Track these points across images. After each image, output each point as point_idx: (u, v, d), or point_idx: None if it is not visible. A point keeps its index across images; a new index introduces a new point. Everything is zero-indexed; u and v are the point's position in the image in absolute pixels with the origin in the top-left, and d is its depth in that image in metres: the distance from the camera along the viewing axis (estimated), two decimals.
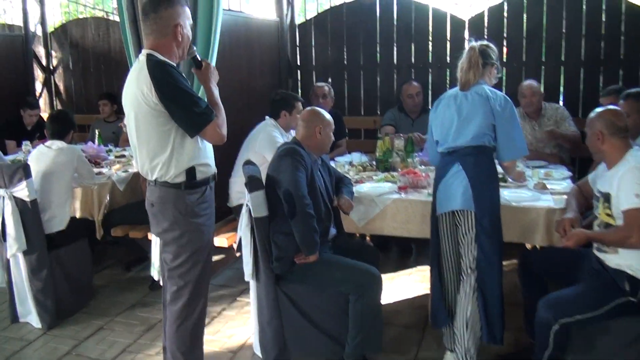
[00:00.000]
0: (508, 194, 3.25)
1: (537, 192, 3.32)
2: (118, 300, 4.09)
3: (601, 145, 2.67)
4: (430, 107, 4.96)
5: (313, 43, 5.84)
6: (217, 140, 2.53)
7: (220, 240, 3.94)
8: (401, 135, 4.23)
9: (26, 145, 4.71)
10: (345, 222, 3.38)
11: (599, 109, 2.74)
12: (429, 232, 3.11)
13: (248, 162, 3.27)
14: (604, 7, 4.95)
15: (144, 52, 2.49)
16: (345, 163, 4.31)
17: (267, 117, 4.13)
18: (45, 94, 7.04)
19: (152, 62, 2.39)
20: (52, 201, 3.73)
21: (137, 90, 2.42)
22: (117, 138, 5.65)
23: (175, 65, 2.49)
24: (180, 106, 2.39)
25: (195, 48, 2.62)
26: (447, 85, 5.37)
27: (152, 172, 2.57)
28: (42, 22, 6.88)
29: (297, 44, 5.89)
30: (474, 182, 2.85)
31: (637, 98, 3.29)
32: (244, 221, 3.11)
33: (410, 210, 3.33)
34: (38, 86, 7.00)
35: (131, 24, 3.46)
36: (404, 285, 4.19)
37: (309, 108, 3.29)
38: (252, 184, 2.98)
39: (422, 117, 4.85)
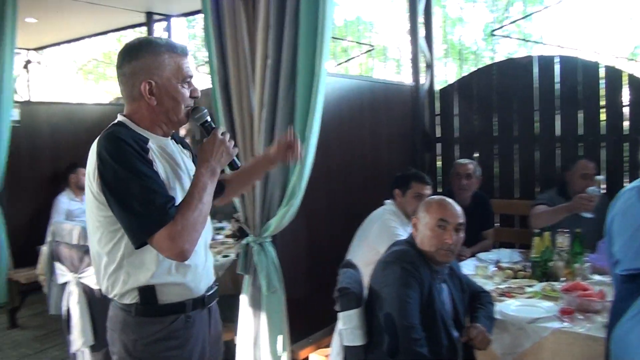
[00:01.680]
0: None
1: None
2: None
3: None
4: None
5: (456, 111, 4.97)
6: (169, 255, 1.62)
7: (318, 358, 3.12)
8: (566, 230, 3.16)
9: None
10: (484, 354, 2.39)
11: None
12: None
13: (347, 264, 2.47)
14: None
15: (117, 118, 1.79)
16: (490, 263, 3.31)
17: (386, 202, 3.33)
18: None
19: (104, 134, 1.69)
20: None
21: (87, 171, 1.71)
22: None
23: (150, 138, 1.73)
24: (120, 202, 1.60)
25: (205, 111, 1.80)
26: (626, 165, 4.18)
27: (102, 282, 1.79)
28: None
29: (437, 112, 5.05)
30: None
31: None
32: (335, 348, 2.30)
33: (577, 349, 2.27)
34: None
35: (222, 89, 2.91)
36: None
37: (432, 197, 2.43)
38: (344, 298, 2.18)
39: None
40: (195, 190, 1.66)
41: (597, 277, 2.86)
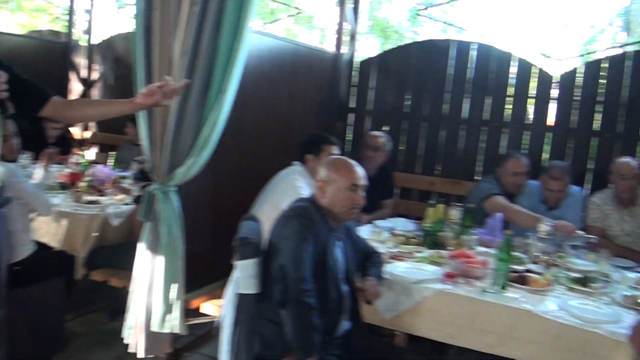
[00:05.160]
0: (575, 305, 2.38)
1: (619, 310, 2.39)
2: (89, 358, 3.36)
3: None
4: None
5: (372, 84, 5.09)
6: None
7: (211, 307, 3.17)
8: (459, 204, 3.37)
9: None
10: (368, 310, 2.54)
11: None
12: (478, 343, 2.38)
13: (249, 217, 2.52)
14: None
15: None
16: (386, 230, 3.46)
17: (295, 163, 3.39)
18: None
19: None
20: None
21: None
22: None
23: None
24: None
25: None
26: (526, 151, 4.43)
27: None
28: (88, 32, 6.46)
29: (354, 83, 5.15)
30: None
31: None
32: (229, 295, 2.35)
33: (456, 310, 2.45)
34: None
35: (144, 32, 2.82)
36: None
37: (339, 159, 2.51)
38: (243, 248, 2.23)
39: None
40: None
41: (481, 249, 3.07)
